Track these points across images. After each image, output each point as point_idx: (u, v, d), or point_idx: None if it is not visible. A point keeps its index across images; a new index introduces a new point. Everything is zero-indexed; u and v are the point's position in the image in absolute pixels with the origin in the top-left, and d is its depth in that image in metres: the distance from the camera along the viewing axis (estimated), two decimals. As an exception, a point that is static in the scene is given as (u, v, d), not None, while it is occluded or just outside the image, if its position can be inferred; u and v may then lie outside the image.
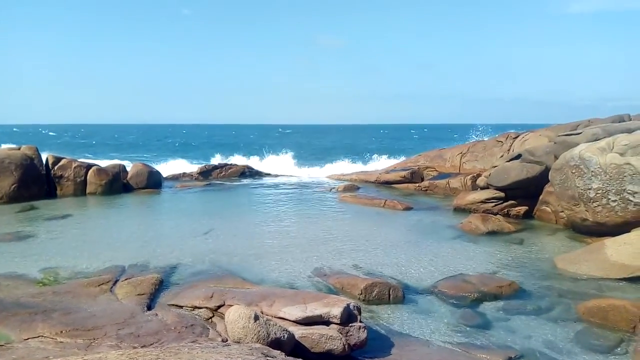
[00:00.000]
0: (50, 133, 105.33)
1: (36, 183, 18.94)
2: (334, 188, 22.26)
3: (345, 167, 33.40)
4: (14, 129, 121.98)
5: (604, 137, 12.73)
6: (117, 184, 20.79)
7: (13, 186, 18.03)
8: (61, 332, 6.22)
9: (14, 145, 21.80)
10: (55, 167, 19.74)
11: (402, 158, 31.42)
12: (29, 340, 6.04)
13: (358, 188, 22.30)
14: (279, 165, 32.39)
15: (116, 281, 8.71)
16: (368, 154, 46.37)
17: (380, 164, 32.80)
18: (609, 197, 11.54)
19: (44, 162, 19.79)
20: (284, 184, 24.50)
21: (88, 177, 20.16)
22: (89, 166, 20.69)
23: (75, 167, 20.09)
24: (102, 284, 8.50)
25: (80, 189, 19.94)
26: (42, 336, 6.15)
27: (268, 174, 28.30)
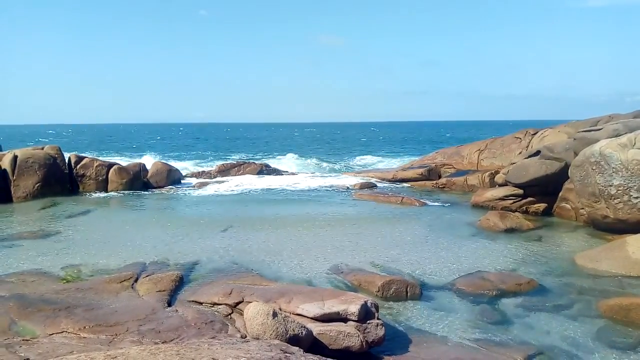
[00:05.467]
0: (64, 131, 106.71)
1: (59, 182, 19.33)
2: (351, 186, 22.27)
3: (362, 165, 33.44)
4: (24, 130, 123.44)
5: (625, 133, 12.52)
6: (137, 183, 21.11)
7: (37, 185, 18.43)
8: (84, 327, 6.36)
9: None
10: (78, 166, 20.13)
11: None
12: (54, 335, 6.19)
13: (375, 186, 22.29)
14: (295, 164, 32.62)
15: (137, 278, 8.86)
16: (386, 152, 46.36)
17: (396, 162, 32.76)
18: (631, 193, 11.36)
19: (67, 161, 20.18)
20: (300, 182, 24.56)
21: (109, 176, 20.52)
22: (110, 165, 21.06)
23: (97, 166, 20.46)
24: (124, 280, 8.66)
25: (102, 188, 20.31)
26: (66, 331, 6.30)
27: (285, 172, 28.44)
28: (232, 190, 21.61)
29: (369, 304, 6.48)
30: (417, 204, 16.88)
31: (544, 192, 15.21)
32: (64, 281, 8.93)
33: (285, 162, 34.18)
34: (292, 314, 6.35)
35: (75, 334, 6.24)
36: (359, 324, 6.17)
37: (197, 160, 37.28)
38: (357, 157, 40.17)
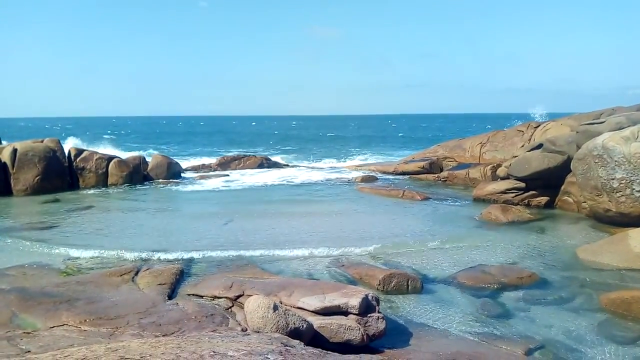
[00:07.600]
0: (66, 126, 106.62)
1: (59, 175, 19.30)
2: (352, 179, 22.24)
3: (363, 158, 33.41)
4: (20, 123, 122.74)
5: (629, 126, 12.44)
6: (137, 176, 21.10)
7: (37, 178, 18.40)
8: (85, 320, 6.36)
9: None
10: (78, 159, 20.07)
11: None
12: (55, 328, 6.19)
13: (376, 179, 22.26)
14: (295, 157, 32.59)
15: (138, 271, 8.86)
16: (386, 145, 46.24)
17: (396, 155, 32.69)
18: (633, 187, 11.31)
19: (67, 154, 20.13)
20: (301, 175, 24.53)
21: (109, 169, 20.48)
22: (110, 158, 21.01)
23: (97, 159, 20.41)
24: (124, 273, 8.65)
25: (102, 181, 20.28)
26: (67, 324, 6.30)
27: (286, 165, 28.40)
28: (233, 183, 21.60)
29: (369, 297, 6.46)
30: (419, 197, 16.83)
31: (546, 185, 15.16)
32: (65, 274, 8.93)
33: (286, 155, 34.11)
34: (293, 307, 6.34)
35: (76, 327, 6.23)
36: (359, 317, 6.16)
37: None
38: (361, 151, 40.05)
